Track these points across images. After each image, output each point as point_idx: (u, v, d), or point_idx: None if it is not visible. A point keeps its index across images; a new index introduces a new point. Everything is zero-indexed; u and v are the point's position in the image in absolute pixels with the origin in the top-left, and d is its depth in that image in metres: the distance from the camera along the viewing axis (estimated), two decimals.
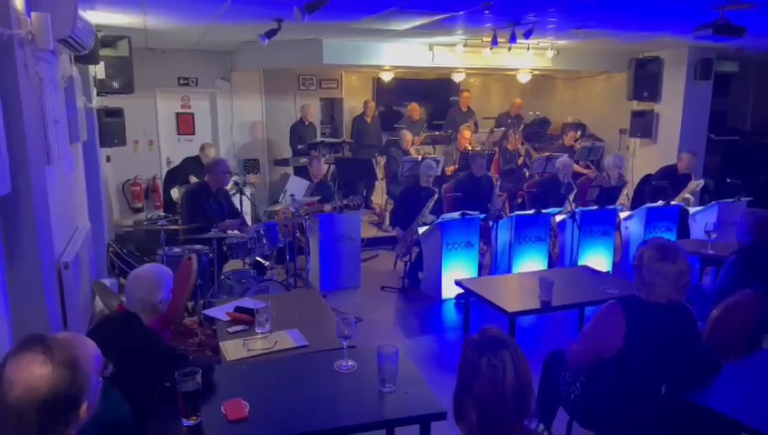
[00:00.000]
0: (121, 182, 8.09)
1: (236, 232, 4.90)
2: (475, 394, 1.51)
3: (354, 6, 4.99)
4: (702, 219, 5.90)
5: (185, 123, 8.62)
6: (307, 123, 8.32)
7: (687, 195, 6.59)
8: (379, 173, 8.37)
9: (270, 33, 5.57)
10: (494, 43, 6.26)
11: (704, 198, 7.75)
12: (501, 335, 1.55)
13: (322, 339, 2.85)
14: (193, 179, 6.56)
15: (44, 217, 3.11)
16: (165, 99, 8.39)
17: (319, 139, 8.44)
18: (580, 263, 5.71)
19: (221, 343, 2.86)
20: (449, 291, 5.28)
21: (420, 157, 7.56)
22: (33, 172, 2.92)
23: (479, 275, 5.60)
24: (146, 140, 8.30)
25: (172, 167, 7.77)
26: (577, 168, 7.38)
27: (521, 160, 8.01)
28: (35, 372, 1.28)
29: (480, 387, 1.50)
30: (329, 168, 7.79)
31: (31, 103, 2.98)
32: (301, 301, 3.61)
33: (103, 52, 5.69)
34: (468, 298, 4.09)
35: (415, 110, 8.85)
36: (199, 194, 5.09)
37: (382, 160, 8.47)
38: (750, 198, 6.29)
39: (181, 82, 8.38)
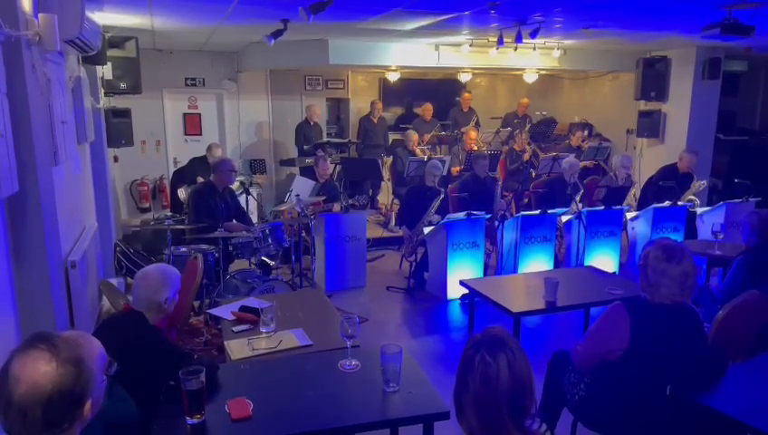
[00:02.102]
0: (129, 182, 8.14)
1: (242, 232, 4.92)
2: (470, 391, 1.51)
3: (359, 7, 5.00)
4: (710, 220, 5.86)
5: (192, 124, 8.66)
6: (313, 123, 8.34)
7: (692, 196, 6.55)
8: (385, 174, 8.38)
9: (276, 34, 5.58)
10: (500, 42, 6.25)
11: (712, 198, 7.70)
12: (502, 335, 1.55)
13: (327, 339, 2.86)
14: (200, 180, 6.60)
15: (52, 217, 3.13)
16: (172, 99, 8.44)
17: (325, 139, 8.46)
18: (587, 263, 5.69)
19: (226, 342, 2.87)
20: (455, 291, 5.27)
21: (426, 157, 7.57)
22: (41, 172, 2.94)
23: (485, 275, 5.59)
24: (153, 141, 8.34)
25: (179, 167, 7.81)
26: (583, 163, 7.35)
27: (526, 156, 7.97)
28: (40, 370, 1.29)
29: (474, 384, 1.50)
30: (335, 168, 7.81)
31: (38, 104, 3.00)
32: (306, 301, 3.61)
33: (111, 52, 5.74)
34: (473, 298, 4.08)
35: (428, 109, 8.87)
36: (206, 193, 5.12)
37: (388, 161, 8.48)
38: (758, 199, 6.24)
39: (188, 82, 8.42)
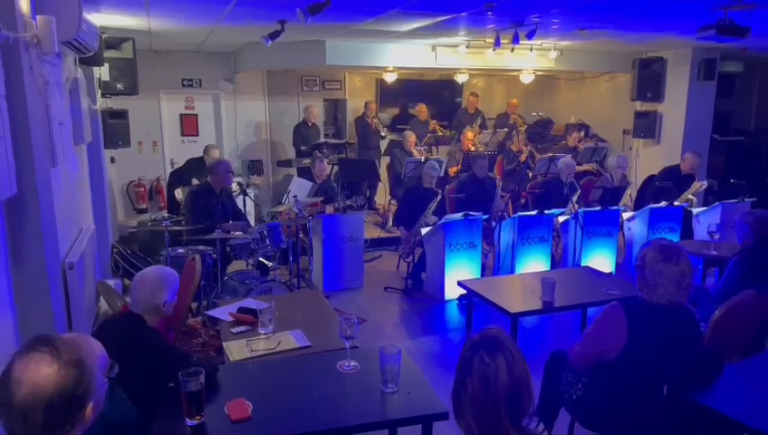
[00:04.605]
0: (126, 183, 8.12)
1: (240, 233, 4.92)
2: (469, 392, 1.52)
3: (357, 8, 5.01)
4: (706, 220, 5.89)
5: (189, 124, 8.65)
6: (310, 124, 8.34)
7: (690, 196, 6.57)
8: (382, 174, 8.38)
9: (273, 35, 5.58)
10: (497, 44, 6.27)
11: (708, 198, 7.73)
12: (499, 335, 1.57)
13: (325, 339, 2.86)
14: (195, 181, 6.59)
15: (49, 219, 3.13)
16: (169, 100, 8.42)
17: (322, 139, 8.46)
18: (584, 263, 5.71)
19: (224, 344, 2.88)
20: (452, 291, 5.29)
21: (423, 158, 7.58)
22: (39, 174, 2.94)
23: (482, 275, 5.61)
24: (150, 142, 8.33)
25: (176, 168, 7.80)
26: (580, 168, 7.39)
27: (523, 157, 8.01)
28: (42, 372, 1.29)
29: (472, 385, 1.51)
30: (332, 168, 7.81)
31: (36, 106, 3.00)
32: (304, 302, 3.62)
33: (108, 53, 5.73)
34: (471, 299, 4.10)
35: (423, 110, 8.88)
36: (203, 195, 5.12)
37: (385, 161, 8.49)
38: (754, 199, 6.27)
39: (185, 83, 8.41)
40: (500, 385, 1.49)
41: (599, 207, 6.07)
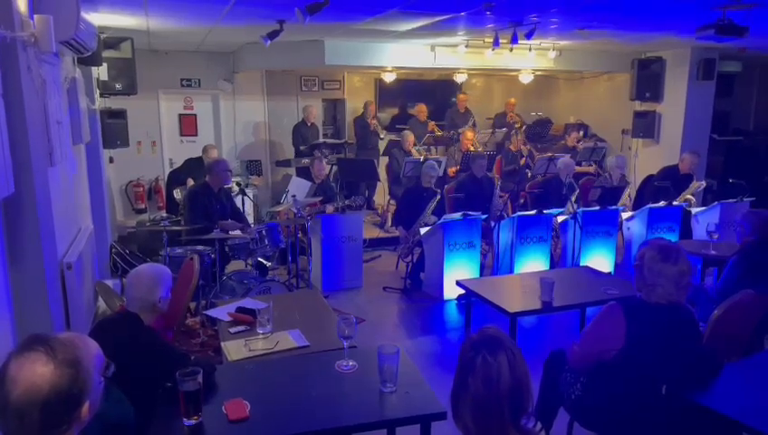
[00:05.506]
0: (124, 183, 8.11)
1: (238, 232, 4.92)
2: (470, 392, 1.51)
3: (355, 8, 5.00)
4: (704, 220, 5.89)
5: (187, 124, 8.64)
6: (309, 124, 8.34)
7: (689, 196, 6.58)
8: (381, 173, 8.38)
9: (272, 35, 5.58)
10: (496, 43, 6.26)
11: (706, 198, 7.74)
12: (498, 335, 1.56)
13: (324, 339, 2.86)
14: (190, 182, 6.57)
15: (47, 218, 3.12)
16: (168, 100, 8.41)
17: (321, 139, 8.46)
18: (583, 263, 5.70)
19: (223, 344, 2.87)
20: (451, 291, 5.28)
21: (422, 157, 7.58)
22: (36, 173, 2.93)
23: (481, 275, 5.60)
24: (149, 142, 8.32)
25: (175, 168, 7.79)
26: (579, 168, 7.40)
27: (522, 161, 8.03)
28: (38, 371, 1.29)
29: (475, 385, 1.50)
30: (331, 168, 7.80)
31: (34, 105, 3.00)
32: (302, 301, 3.61)
33: (106, 53, 5.73)
34: (470, 299, 4.09)
35: (422, 110, 8.88)
36: (201, 194, 5.11)
37: (384, 161, 8.49)
38: (753, 199, 6.28)
39: (184, 83, 8.40)
40: (503, 384, 1.49)
41: (597, 207, 6.07)
